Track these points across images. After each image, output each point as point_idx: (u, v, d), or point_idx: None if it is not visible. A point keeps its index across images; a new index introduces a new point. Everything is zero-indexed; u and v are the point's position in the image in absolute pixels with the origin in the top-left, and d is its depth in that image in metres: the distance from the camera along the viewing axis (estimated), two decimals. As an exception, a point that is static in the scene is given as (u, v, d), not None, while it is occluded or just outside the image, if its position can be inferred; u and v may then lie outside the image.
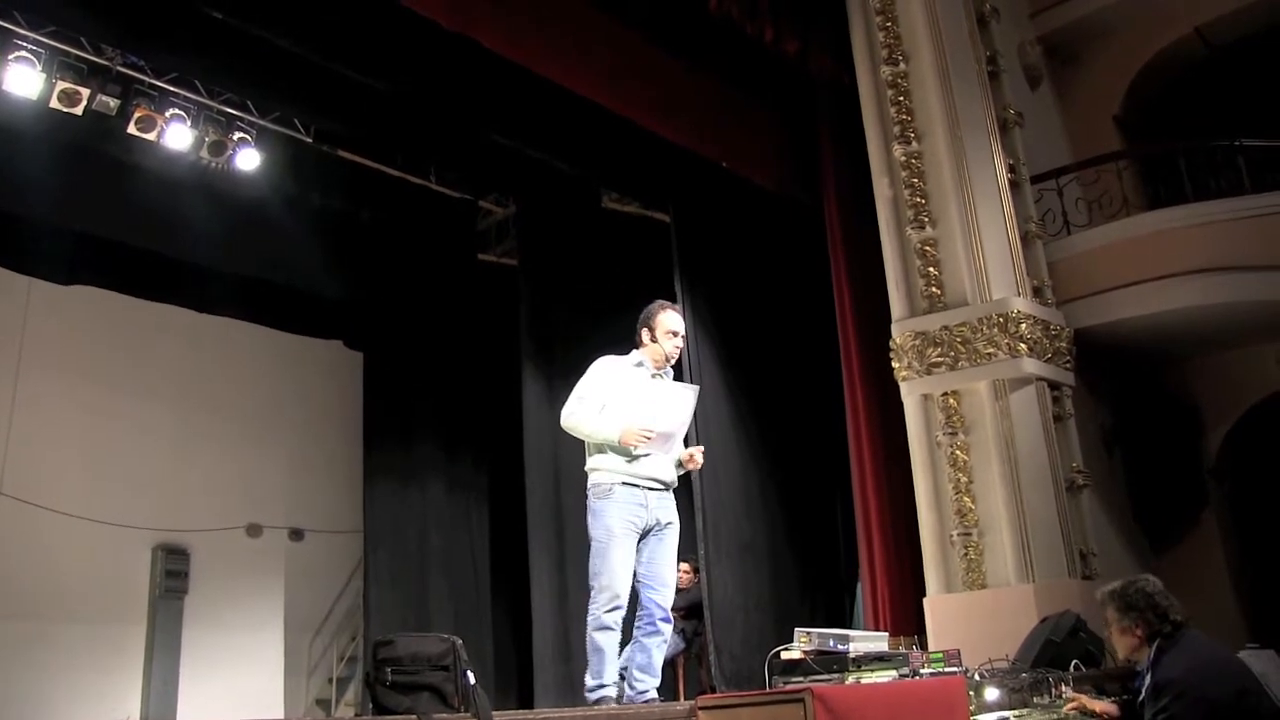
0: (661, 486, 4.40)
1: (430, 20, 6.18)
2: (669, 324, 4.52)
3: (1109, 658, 5.07)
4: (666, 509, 4.40)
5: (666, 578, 4.34)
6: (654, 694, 4.24)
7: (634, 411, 4.29)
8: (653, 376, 4.46)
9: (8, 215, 8.33)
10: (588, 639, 4.23)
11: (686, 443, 4.63)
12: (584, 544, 9.05)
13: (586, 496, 4.42)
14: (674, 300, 7.87)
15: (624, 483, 4.32)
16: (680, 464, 4.50)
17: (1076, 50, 8.83)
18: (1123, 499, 7.53)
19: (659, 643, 4.30)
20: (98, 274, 9.50)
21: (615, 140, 7.62)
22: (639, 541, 4.32)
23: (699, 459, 4.50)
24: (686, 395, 4.47)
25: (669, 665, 7.65)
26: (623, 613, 4.23)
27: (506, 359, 9.46)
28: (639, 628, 4.33)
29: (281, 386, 11.28)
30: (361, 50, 6.77)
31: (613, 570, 4.23)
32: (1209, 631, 3.75)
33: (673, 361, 4.56)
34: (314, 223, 9.60)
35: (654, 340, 4.49)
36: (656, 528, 4.35)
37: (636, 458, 4.31)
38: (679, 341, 4.54)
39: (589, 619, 4.25)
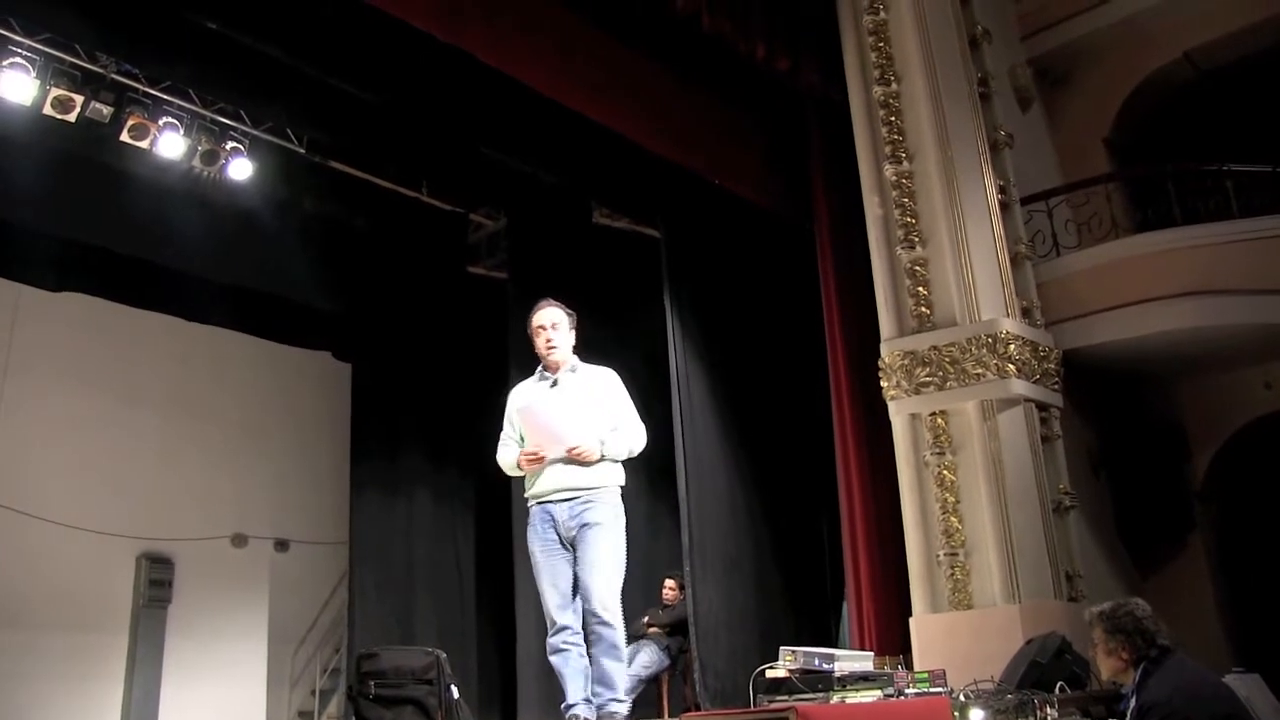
0: (571, 494, 4.23)
1: (423, 33, 6.20)
2: (532, 323, 4.46)
3: (1094, 679, 5.07)
4: (582, 514, 4.21)
5: (588, 580, 4.16)
6: (615, 706, 4.10)
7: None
8: (553, 384, 4.39)
9: (-2, 221, 8.31)
10: None
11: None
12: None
13: None
14: (664, 315, 7.92)
15: (536, 503, 4.30)
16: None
17: (1067, 73, 8.89)
18: (1109, 521, 7.54)
19: (603, 651, 4.13)
20: (87, 281, 9.47)
21: (606, 155, 7.64)
22: (574, 554, 4.23)
23: (581, 449, 4.20)
24: (558, 389, 4.37)
25: (653, 682, 7.63)
26: (568, 633, 4.16)
27: (495, 372, 9.43)
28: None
29: (269, 396, 11.25)
30: (355, 62, 6.79)
31: (543, 593, 4.24)
32: (1194, 655, 3.75)
33: (551, 356, 4.40)
34: (305, 233, 9.59)
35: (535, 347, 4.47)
36: (576, 536, 4.21)
37: (538, 475, 4.28)
38: (544, 335, 4.40)
39: None
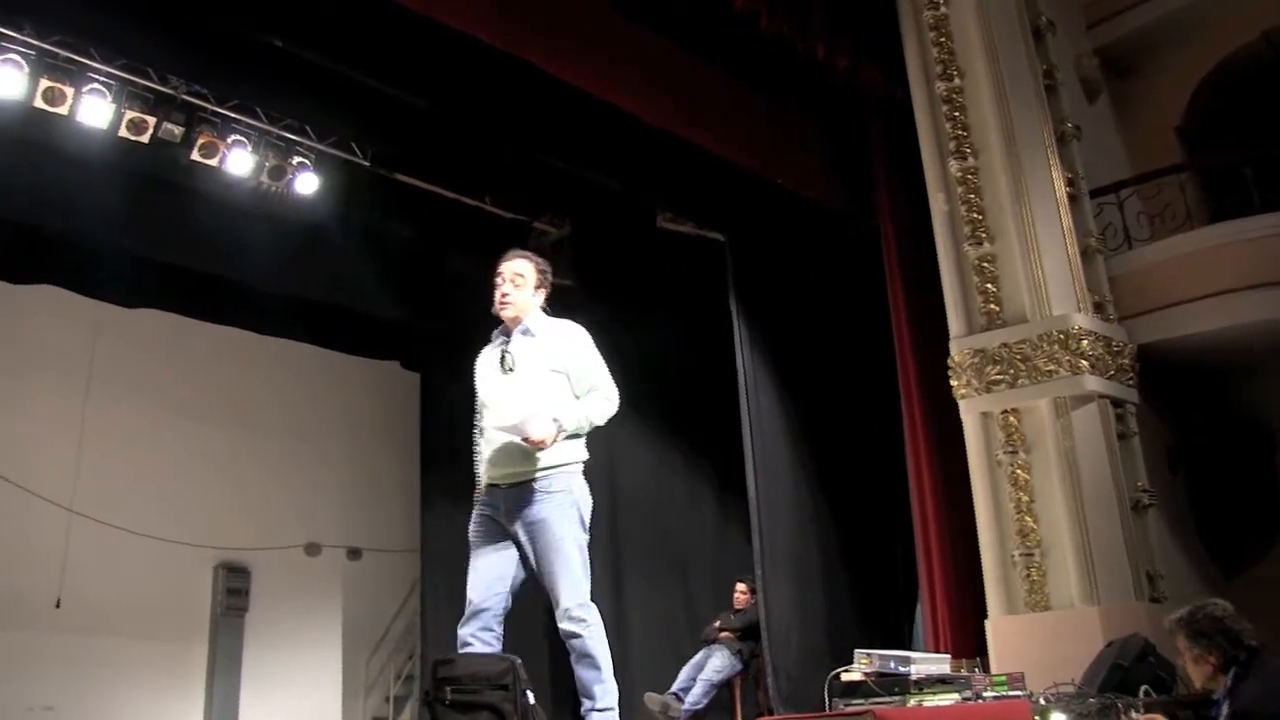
0: (515, 479, 3.84)
1: (484, 43, 6.26)
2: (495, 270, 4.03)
3: (1181, 683, 4.94)
4: (527, 508, 3.81)
5: (551, 586, 3.79)
6: (595, 717, 3.74)
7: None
8: (504, 362, 4.00)
9: (78, 240, 8.57)
10: None
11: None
12: (638, 563, 9.05)
13: None
14: (730, 318, 7.90)
15: (489, 484, 3.95)
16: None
17: (1135, 62, 8.68)
18: (1189, 520, 7.34)
19: (575, 661, 3.77)
20: (162, 297, 9.70)
21: (668, 159, 7.63)
22: (520, 551, 3.87)
23: (534, 440, 3.71)
24: (511, 373, 3.96)
25: (726, 687, 7.60)
26: (475, 625, 3.79)
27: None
28: None
29: (340, 407, 11.45)
30: (417, 74, 6.87)
31: (468, 577, 3.87)
32: (1286, 658, 3.62)
33: (503, 313, 4.03)
34: (371, 245, 9.73)
35: None
36: (520, 531, 3.82)
37: (485, 453, 3.96)
38: (500, 289, 4.02)
39: None
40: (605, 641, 3.83)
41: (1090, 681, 4.90)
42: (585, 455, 3.99)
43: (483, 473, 4.02)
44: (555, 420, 3.73)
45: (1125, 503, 6.32)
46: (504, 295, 4.01)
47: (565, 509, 3.83)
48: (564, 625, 3.75)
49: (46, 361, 9.62)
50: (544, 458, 3.81)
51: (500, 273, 4.04)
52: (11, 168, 7.58)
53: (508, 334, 4.05)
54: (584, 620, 3.76)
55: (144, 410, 10.09)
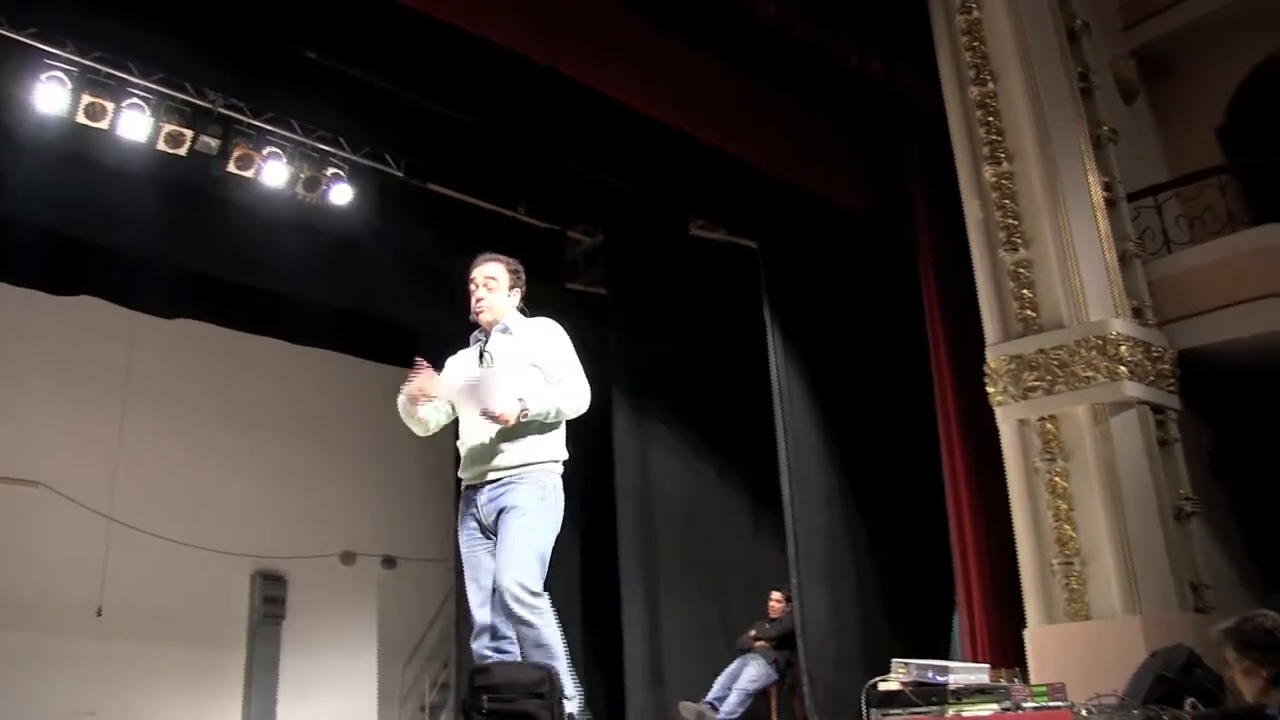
0: (493, 476, 3.84)
1: (517, 54, 6.30)
2: (468, 277, 4.05)
3: (1230, 697, 4.84)
4: (500, 497, 3.81)
5: (498, 570, 3.72)
6: (567, 703, 3.70)
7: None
8: (482, 357, 3.98)
9: (116, 251, 8.69)
10: None
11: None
12: (673, 572, 9.02)
13: None
14: (763, 325, 7.88)
15: (464, 488, 3.94)
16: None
17: (1174, 62, 8.56)
18: (1234, 527, 7.21)
19: (528, 652, 3.71)
20: (199, 307, 9.82)
21: (700, 166, 7.64)
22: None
23: (494, 408, 3.69)
24: (472, 366, 3.95)
25: (762, 696, 7.57)
26: (488, 638, 3.78)
27: (595, 388, 9.48)
28: None
29: (374, 416, 11.43)
30: (450, 86, 6.92)
31: (466, 590, 3.86)
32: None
33: (482, 315, 4.02)
34: (405, 255, 9.78)
35: None
36: (495, 523, 3.81)
37: (464, 457, 3.93)
38: (475, 294, 4.01)
39: None
40: (557, 628, 3.80)
41: (1134, 693, 4.82)
42: (564, 455, 3.98)
43: (462, 472, 3.98)
44: (520, 400, 3.73)
45: (1167, 510, 6.24)
46: (479, 300, 4.03)
47: (532, 500, 3.81)
48: (517, 610, 3.66)
49: (86, 371, 9.75)
50: (518, 455, 3.83)
51: (473, 279, 4.05)
52: (53, 181, 7.69)
53: (486, 334, 4.07)
54: (538, 609, 3.71)
55: (181, 419, 10.20)
